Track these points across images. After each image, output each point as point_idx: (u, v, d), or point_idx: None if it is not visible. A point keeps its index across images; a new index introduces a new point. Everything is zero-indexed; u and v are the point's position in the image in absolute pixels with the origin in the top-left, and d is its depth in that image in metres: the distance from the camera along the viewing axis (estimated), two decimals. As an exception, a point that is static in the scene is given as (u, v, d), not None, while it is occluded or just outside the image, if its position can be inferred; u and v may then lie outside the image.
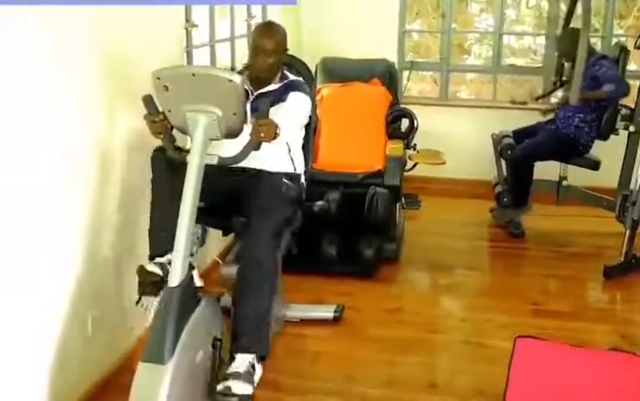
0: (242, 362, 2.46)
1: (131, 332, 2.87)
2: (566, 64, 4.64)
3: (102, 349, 2.66)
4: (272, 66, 2.85)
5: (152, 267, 2.48)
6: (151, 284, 2.44)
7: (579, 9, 4.36)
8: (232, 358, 2.49)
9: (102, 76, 2.56)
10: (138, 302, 2.51)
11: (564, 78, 4.67)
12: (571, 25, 4.49)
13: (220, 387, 2.37)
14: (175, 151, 2.48)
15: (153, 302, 2.38)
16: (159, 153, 2.56)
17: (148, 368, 2.11)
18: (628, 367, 2.58)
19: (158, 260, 2.51)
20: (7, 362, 2.14)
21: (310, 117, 2.99)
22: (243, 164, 2.49)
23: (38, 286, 2.27)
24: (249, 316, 2.53)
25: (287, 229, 2.80)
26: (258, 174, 2.70)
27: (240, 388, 2.38)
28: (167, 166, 2.50)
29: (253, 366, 2.48)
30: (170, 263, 2.39)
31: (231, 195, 2.71)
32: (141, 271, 2.48)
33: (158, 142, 2.49)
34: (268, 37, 2.85)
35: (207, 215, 2.62)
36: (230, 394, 2.36)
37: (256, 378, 2.49)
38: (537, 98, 4.90)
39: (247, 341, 2.51)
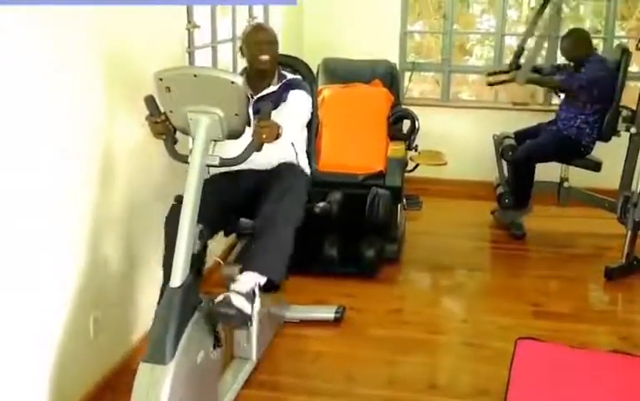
0: (247, 281, 2.46)
1: (132, 333, 2.87)
2: (526, 48, 4.61)
3: (103, 350, 2.66)
4: (274, 58, 2.88)
5: None
6: None
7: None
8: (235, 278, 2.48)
9: (103, 77, 2.56)
10: None
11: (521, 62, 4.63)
12: (575, 26, 4.51)
13: (219, 297, 2.37)
14: (176, 153, 2.48)
15: None
16: (173, 213, 2.52)
17: (149, 368, 2.11)
18: (629, 368, 2.58)
19: None
20: (9, 363, 2.14)
21: (312, 116, 3.00)
22: (250, 167, 2.50)
23: (39, 287, 2.27)
24: (270, 235, 2.53)
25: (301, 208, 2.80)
26: (271, 169, 2.72)
27: (240, 302, 2.38)
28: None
29: (254, 292, 2.47)
30: None
31: (240, 201, 2.72)
32: None
33: (160, 143, 2.49)
34: (264, 31, 2.92)
35: (213, 220, 2.60)
36: (229, 304, 2.36)
37: (255, 306, 2.48)
38: (489, 74, 4.83)
39: (262, 260, 2.51)
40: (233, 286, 2.45)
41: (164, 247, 2.56)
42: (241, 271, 2.53)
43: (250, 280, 2.47)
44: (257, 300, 2.50)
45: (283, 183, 2.65)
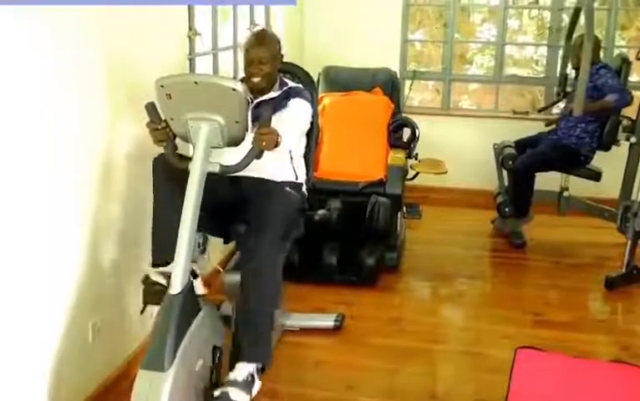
0: (242, 370, 2.46)
1: (131, 339, 2.86)
2: (569, 75, 4.65)
3: (102, 356, 2.66)
4: (269, 75, 2.84)
5: (157, 277, 2.47)
6: (156, 293, 2.43)
7: (582, 20, 4.37)
8: (232, 367, 2.48)
9: (104, 83, 2.57)
10: (142, 311, 2.51)
11: (567, 89, 4.69)
12: (581, 33, 4.50)
13: (217, 392, 2.36)
14: (177, 159, 2.48)
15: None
16: (160, 158, 2.56)
17: (148, 375, 2.11)
18: (630, 378, 2.57)
19: (162, 269, 2.50)
20: (7, 368, 2.13)
21: (312, 125, 2.99)
22: (246, 172, 2.49)
23: (39, 293, 2.27)
24: (252, 325, 2.52)
25: (289, 237, 2.79)
26: (261, 182, 2.71)
27: (237, 395, 2.37)
28: (168, 171, 2.49)
29: (253, 376, 2.47)
30: None
31: (234, 203, 2.71)
32: (146, 280, 2.48)
33: (160, 149, 2.49)
34: (262, 45, 2.84)
35: (209, 223, 2.61)
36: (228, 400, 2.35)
37: (255, 389, 2.48)
38: (540, 110, 4.92)
39: (249, 350, 2.50)
40: (230, 376, 2.43)
41: (153, 215, 2.56)
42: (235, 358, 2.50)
43: (243, 369, 2.46)
44: (257, 380, 2.49)
45: (264, 222, 2.55)
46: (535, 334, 3.32)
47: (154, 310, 2.45)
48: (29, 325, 2.23)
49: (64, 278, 2.42)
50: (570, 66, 4.66)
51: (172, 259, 2.30)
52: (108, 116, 2.62)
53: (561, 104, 4.77)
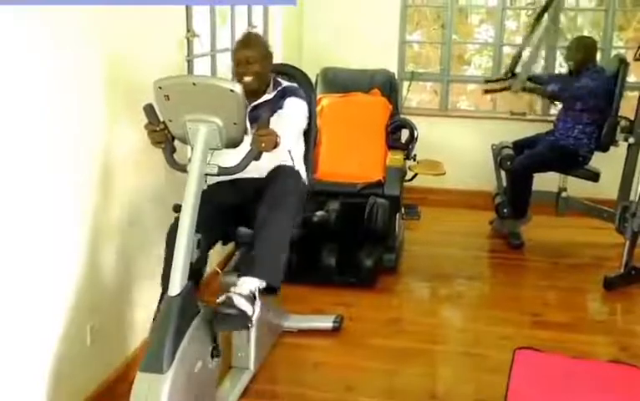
0: (247, 284, 2.47)
1: (130, 341, 2.86)
2: (523, 56, 4.64)
3: (100, 359, 2.65)
4: (259, 74, 2.83)
5: None
6: None
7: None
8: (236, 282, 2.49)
9: (102, 85, 2.56)
10: None
11: (517, 71, 4.65)
12: (580, 34, 4.55)
13: (221, 298, 2.38)
14: (175, 161, 2.48)
15: None
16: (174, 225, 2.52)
17: (146, 377, 2.11)
18: (629, 379, 2.57)
19: None
20: (5, 371, 2.13)
21: (309, 125, 2.99)
22: (245, 174, 2.49)
23: (37, 295, 2.26)
24: (265, 247, 2.53)
25: (297, 213, 2.80)
26: (263, 179, 2.71)
27: (241, 302, 2.39)
28: None
29: (254, 295, 2.47)
30: None
31: (233, 205, 2.71)
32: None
33: (158, 152, 2.49)
34: (247, 46, 2.85)
35: (208, 225, 2.61)
36: (232, 305, 2.37)
37: (256, 309, 2.47)
38: (486, 81, 4.87)
39: (259, 268, 2.52)
40: (234, 289, 2.46)
41: (164, 259, 2.55)
42: (239, 277, 2.53)
43: (250, 283, 2.49)
44: (258, 303, 2.50)
45: (277, 186, 2.64)
46: (533, 335, 3.33)
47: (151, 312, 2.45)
48: (28, 327, 2.23)
49: (63, 280, 2.41)
50: (567, 66, 4.69)
51: None
52: (107, 117, 2.62)
53: (559, 105, 4.77)
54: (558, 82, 4.55)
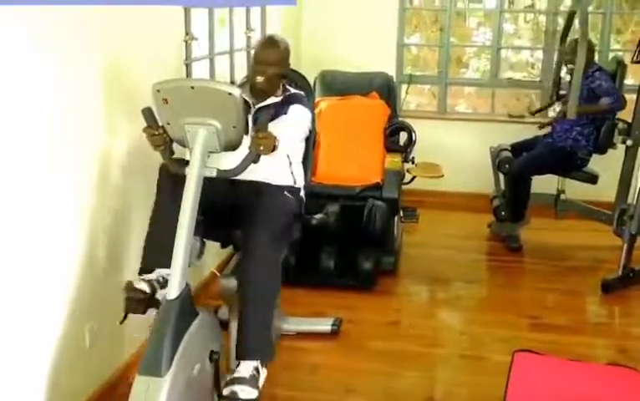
0: (247, 367, 2.46)
1: (129, 343, 2.86)
2: (563, 78, 4.66)
3: (99, 361, 2.65)
4: (272, 78, 2.84)
5: (140, 284, 2.41)
6: (138, 301, 2.37)
7: (576, 24, 4.39)
8: (237, 364, 2.48)
9: (101, 88, 2.56)
10: (123, 321, 2.43)
11: (561, 92, 4.70)
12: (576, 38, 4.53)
13: (225, 391, 2.37)
14: (175, 164, 2.47)
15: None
16: (167, 171, 2.54)
17: (145, 380, 2.10)
18: (627, 382, 2.58)
19: (146, 277, 2.46)
20: (4, 373, 2.13)
21: (310, 130, 3.00)
22: (244, 176, 2.49)
23: (36, 297, 2.26)
24: (252, 322, 2.51)
25: (286, 238, 2.79)
26: (258, 186, 2.71)
27: (245, 392, 2.38)
28: (175, 176, 2.45)
29: (257, 370, 2.47)
30: (158, 281, 2.41)
31: (231, 207, 2.71)
32: (129, 287, 2.40)
33: (157, 154, 2.49)
34: (270, 48, 2.86)
35: (206, 227, 2.61)
36: (236, 399, 2.36)
37: (261, 380, 2.49)
38: (534, 113, 4.94)
39: (252, 347, 2.50)
40: (235, 375, 2.43)
41: (150, 223, 2.54)
42: (237, 359, 2.50)
43: (248, 366, 2.46)
44: (263, 371, 2.50)
45: (261, 221, 2.55)
46: (532, 337, 3.33)
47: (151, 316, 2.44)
48: (26, 328, 2.23)
49: (62, 281, 2.42)
50: (565, 69, 4.68)
51: (160, 266, 2.32)
52: (106, 118, 2.62)
53: (557, 107, 4.78)
54: (606, 91, 4.33)
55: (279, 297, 2.81)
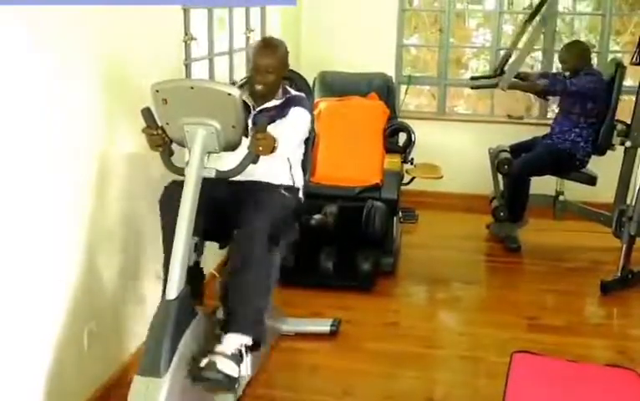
0: (232, 342, 2.38)
1: (127, 344, 2.86)
2: (512, 57, 4.68)
3: (98, 362, 2.65)
4: (272, 84, 2.82)
5: None
6: None
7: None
8: (220, 339, 2.39)
9: (101, 88, 2.56)
10: None
11: (505, 69, 4.67)
12: (575, 39, 4.58)
13: (204, 361, 2.28)
14: (173, 165, 2.48)
15: None
16: (166, 192, 2.53)
17: (144, 381, 2.11)
18: (626, 383, 2.58)
19: None
20: (3, 374, 2.13)
21: (309, 131, 3.00)
22: (243, 177, 2.49)
23: (35, 299, 2.26)
24: (246, 298, 2.45)
25: (284, 235, 2.76)
26: (257, 185, 2.70)
27: (226, 365, 2.29)
28: (177, 202, 2.38)
29: (241, 353, 2.39)
30: None
31: (230, 208, 2.71)
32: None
33: (156, 154, 2.49)
34: (269, 55, 2.81)
35: (205, 228, 2.61)
36: (214, 369, 2.27)
37: (243, 368, 2.39)
38: (472, 78, 4.94)
39: (243, 322, 2.43)
40: (218, 348, 2.36)
41: (162, 239, 2.53)
42: (224, 333, 2.42)
43: (234, 341, 2.40)
44: (246, 360, 2.43)
45: (257, 209, 2.53)
46: (531, 338, 3.33)
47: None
48: (25, 330, 2.22)
49: (61, 283, 2.41)
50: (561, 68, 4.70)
51: None
52: (106, 118, 2.62)
53: (556, 108, 4.78)
54: (549, 77, 4.58)
55: (274, 289, 2.74)
